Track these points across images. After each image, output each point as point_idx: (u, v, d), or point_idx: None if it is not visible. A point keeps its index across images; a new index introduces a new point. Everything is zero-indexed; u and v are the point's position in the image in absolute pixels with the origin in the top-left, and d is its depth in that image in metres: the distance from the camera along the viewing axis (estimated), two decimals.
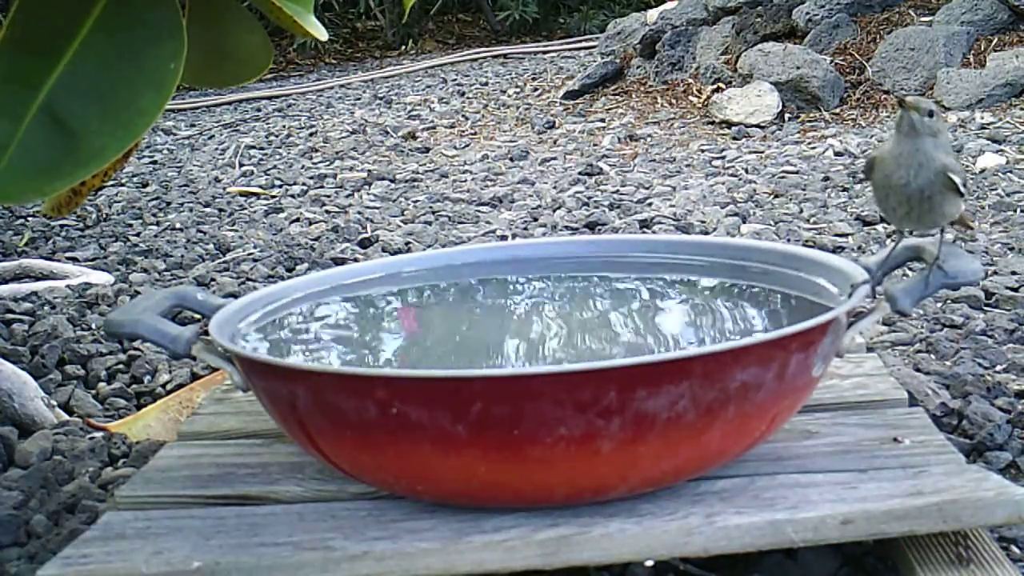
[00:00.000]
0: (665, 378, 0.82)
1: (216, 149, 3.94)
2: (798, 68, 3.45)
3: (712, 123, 3.49)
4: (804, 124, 3.35)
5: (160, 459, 1.06)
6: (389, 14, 7.06)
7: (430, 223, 2.55)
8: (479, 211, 2.65)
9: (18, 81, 0.85)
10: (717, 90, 3.67)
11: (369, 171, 3.27)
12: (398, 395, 0.83)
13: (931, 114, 0.95)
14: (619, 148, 3.34)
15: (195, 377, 1.54)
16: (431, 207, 2.72)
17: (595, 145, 3.40)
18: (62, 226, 2.76)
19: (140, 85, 0.86)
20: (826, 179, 2.67)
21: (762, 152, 3.07)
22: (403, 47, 6.98)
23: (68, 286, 2.05)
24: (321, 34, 0.97)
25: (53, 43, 0.86)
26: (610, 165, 3.09)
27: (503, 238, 2.35)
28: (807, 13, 3.81)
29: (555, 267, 1.24)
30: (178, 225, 2.72)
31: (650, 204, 2.57)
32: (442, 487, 0.88)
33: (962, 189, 0.96)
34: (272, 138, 4.07)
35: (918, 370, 1.37)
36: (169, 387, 1.53)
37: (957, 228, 2.06)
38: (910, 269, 1.59)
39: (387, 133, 3.94)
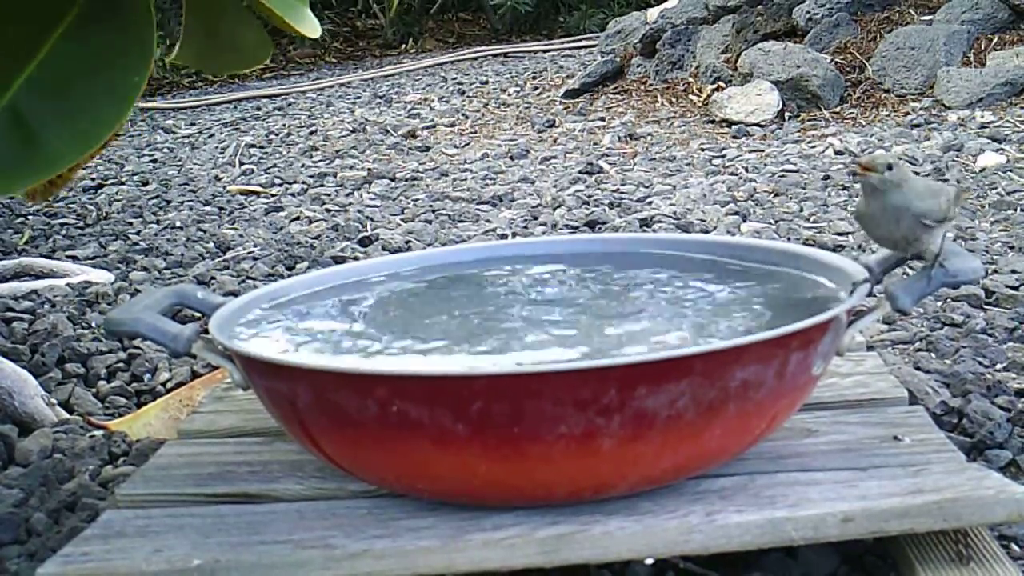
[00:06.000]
0: (665, 376, 0.82)
1: (216, 148, 3.94)
2: (798, 67, 3.45)
3: (712, 122, 3.49)
4: (804, 123, 3.35)
5: (160, 457, 1.06)
6: (389, 13, 7.06)
7: (430, 222, 2.55)
8: (479, 210, 2.65)
9: None
10: (717, 89, 3.67)
11: (369, 170, 3.27)
12: (399, 393, 0.83)
13: (889, 167, 0.96)
14: (619, 147, 3.33)
15: (195, 375, 1.54)
16: (431, 206, 2.72)
17: (595, 144, 3.40)
18: (62, 224, 2.76)
19: (102, 95, 0.86)
20: (826, 178, 2.67)
21: (762, 151, 3.07)
22: (403, 46, 6.97)
23: (68, 284, 2.05)
24: (313, 31, 0.97)
25: (20, 48, 0.86)
26: (610, 164, 3.09)
27: (503, 237, 2.35)
28: (807, 12, 3.81)
29: (556, 265, 1.24)
30: (178, 223, 2.72)
31: (650, 203, 2.57)
32: (442, 485, 0.88)
33: (934, 224, 0.97)
34: (272, 137, 4.07)
35: (918, 368, 1.37)
36: (169, 385, 1.53)
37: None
38: (910, 268, 1.59)
39: (387, 132, 3.94)
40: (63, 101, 0.86)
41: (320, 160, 3.56)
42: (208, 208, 2.91)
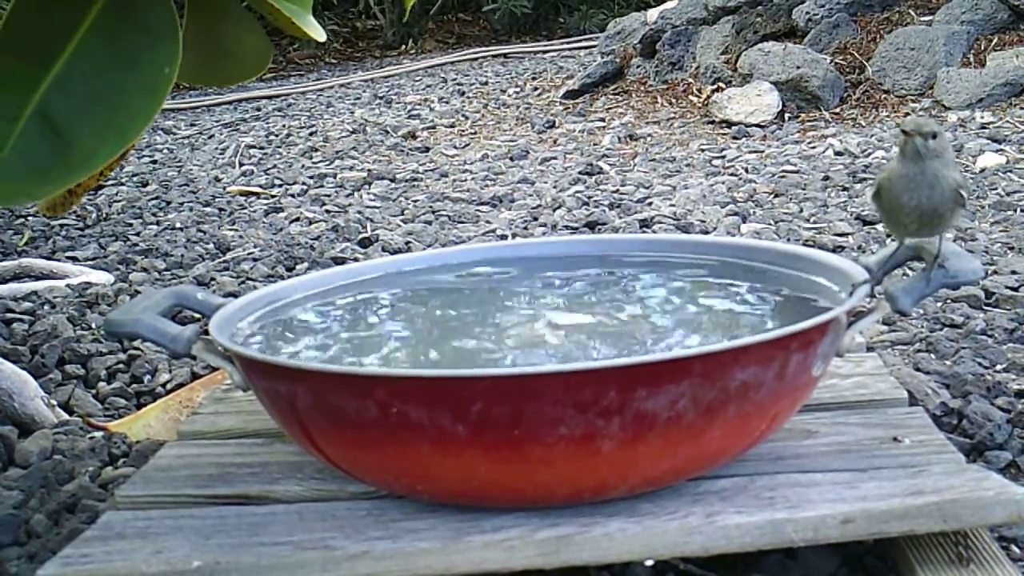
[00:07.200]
0: (665, 378, 0.82)
1: (216, 148, 3.94)
2: (798, 68, 3.45)
3: (712, 122, 3.49)
4: (804, 124, 3.35)
5: (160, 458, 1.06)
6: (389, 14, 7.06)
7: (430, 223, 2.55)
8: (479, 211, 2.65)
9: (13, 85, 0.85)
10: (717, 90, 3.67)
11: (369, 171, 3.27)
12: (398, 395, 0.83)
13: (934, 136, 0.95)
14: (619, 147, 3.34)
15: (195, 377, 1.54)
16: (431, 207, 2.72)
17: (595, 144, 3.40)
18: (62, 225, 2.76)
19: (133, 90, 0.86)
20: (826, 178, 2.67)
21: (762, 151, 3.07)
22: (403, 47, 6.98)
23: (68, 285, 2.05)
24: (319, 35, 0.97)
25: (49, 47, 0.86)
26: (610, 164, 3.09)
27: (503, 237, 2.35)
28: (807, 12, 3.81)
29: (556, 266, 1.24)
30: (178, 224, 2.72)
31: (650, 203, 2.57)
32: (442, 487, 0.88)
33: (964, 200, 0.97)
34: (272, 137, 4.07)
35: (918, 369, 1.37)
36: (169, 387, 1.53)
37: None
38: (910, 269, 1.59)
39: (387, 132, 3.94)
40: (93, 99, 0.85)
41: (320, 161, 3.56)
42: (208, 209, 2.91)
